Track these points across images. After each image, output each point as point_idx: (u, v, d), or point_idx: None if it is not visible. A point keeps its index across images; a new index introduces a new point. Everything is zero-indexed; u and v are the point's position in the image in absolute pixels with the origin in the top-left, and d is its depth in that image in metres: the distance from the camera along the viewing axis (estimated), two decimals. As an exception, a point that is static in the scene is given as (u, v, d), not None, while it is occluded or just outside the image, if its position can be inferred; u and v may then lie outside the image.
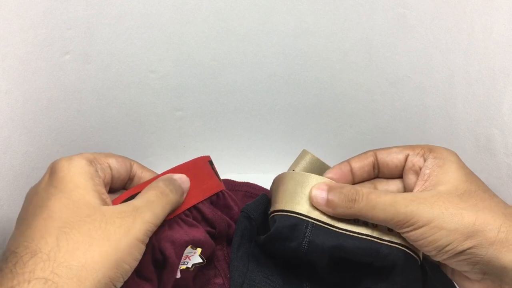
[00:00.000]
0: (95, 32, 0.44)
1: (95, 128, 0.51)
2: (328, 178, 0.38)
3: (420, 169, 0.36)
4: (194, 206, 0.38)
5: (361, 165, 0.38)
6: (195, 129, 0.55)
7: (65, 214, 0.30)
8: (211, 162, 0.42)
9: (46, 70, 0.43)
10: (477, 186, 0.34)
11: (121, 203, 0.33)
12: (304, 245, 0.36)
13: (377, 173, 0.39)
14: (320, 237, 0.35)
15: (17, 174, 0.42)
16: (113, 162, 0.36)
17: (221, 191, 0.42)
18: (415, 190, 0.35)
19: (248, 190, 0.53)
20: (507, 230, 0.31)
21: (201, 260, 0.38)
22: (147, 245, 0.33)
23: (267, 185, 0.53)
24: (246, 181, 0.54)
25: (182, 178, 0.38)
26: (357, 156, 0.39)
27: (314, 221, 0.36)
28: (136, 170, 0.38)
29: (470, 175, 0.35)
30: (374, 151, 0.39)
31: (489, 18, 0.38)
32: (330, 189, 0.36)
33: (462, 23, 0.41)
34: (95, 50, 0.45)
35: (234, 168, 0.59)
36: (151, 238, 0.33)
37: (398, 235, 0.35)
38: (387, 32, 0.45)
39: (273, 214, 0.38)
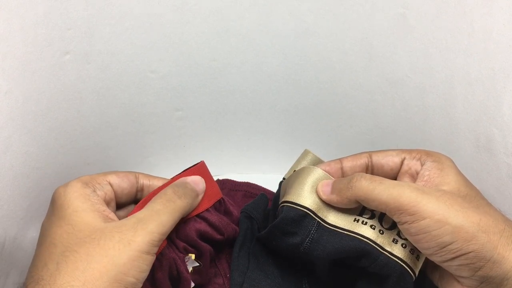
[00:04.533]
0: (95, 32, 0.44)
1: (95, 128, 0.51)
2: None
3: (417, 173, 0.36)
4: (199, 215, 0.38)
5: (352, 165, 0.38)
6: (195, 129, 0.55)
7: (65, 239, 0.31)
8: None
9: (46, 70, 0.43)
10: (476, 193, 0.34)
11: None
12: (307, 243, 0.36)
13: (370, 173, 0.38)
14: (324, 237, 0.35)
15: (17, 174, 0.42)
16: (113, 178, 0.36)
17: (222, 197, 0.41)
18: None
19: (248, 190, 0.53)
20: (508, 235, 0.30)
21: (198, 264, 0.38)
22: (162, 260, 0.34)
23: (267, 185, 0.53)
24: (246, 181, 0.54)
25: (195, 180, 0.38)
26: (350, 155, 0.39)
27: (320, 221, 0.36)
28: (143, 180, 0.38)
29: (468, 182, 0.35)
30: (369, 153, 0.39)
31: (489, 18, 0.38)
32: (335, 181, 0.36)
33: (462, 23, 0.41)
34: (95, 50, 0.45)
35: (234, 168, 0.59)
36: (167, 254, 0.34)
37: (400, 248, 0.34)
38: (387, 32, 0.45)
39: (282, 204, 0.38)
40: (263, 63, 0.50)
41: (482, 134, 0.42)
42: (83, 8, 0.42)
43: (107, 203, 0.35)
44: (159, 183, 0.38)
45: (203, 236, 0.38)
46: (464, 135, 0.44)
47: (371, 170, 0.38)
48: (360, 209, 0.36)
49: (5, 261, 0.42)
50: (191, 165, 0.40)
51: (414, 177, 0.36)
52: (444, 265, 0.32)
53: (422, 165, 0.36)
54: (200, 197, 0.38)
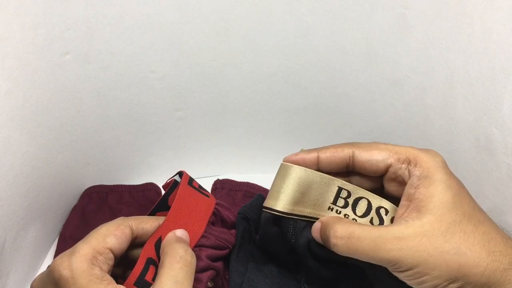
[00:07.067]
0: (95, 32, 0.44)
1: (95, 128, 0.51)
2: (290, 162, 0.36)
3: (404, 181, 0.34)
4: (197, 245, 0.38)
5: (329, 157, 0.35)
6: (195, 129, 0.55)
7: None
8: (190, 180, 0.40)
9: (46, 70, 0.43)
10: (462, 214, 0.32)
11: (136, 281, 0.32)
12: (292, 235, 0.36)
13: (352, 169, 0.36)
14: (305, 231, 0.36)
15: (17, 174, 0.42)
16: (112, 242, 0.33)
17: (214, 207, 0.41)
18: (399, 212, 0.33)
19: (248, 190, 0.53)
20: (489, 274, 0.30)
21: (211, 286, 0.39)
22: None
23: (267, 185, 0.53)
24: (246, 181, 0.54)
25: (184, 234, 0.37)
26: (331, 146, 0.36)
27: (297, 218, 0.36)
28: (137, 230, 0.35)
29: (457, 196, 0.32)
30: (353, 147, 0.35)
31: (489, 18, 0.38)
32: (321, 230, 0.35)
33: (462, 23, 0.41)
34: (95, 50, 0.45)
35: (234, 168, 0.59)
36: None
37: None
38: (387, 32, 0.45)
39: (263, 209, 0.37)
40: (263, 63, 0.50)
41: (482, 134, 0.42)
42: (83, 8, 0.42)
43: (110, 270, 0.34)
44: (151, 227, 0.36)
45: (212, 258, 0.38)
46: (464, 135, 0.44)
47: (352, 166, 0.36)
48: (334, 195, 0.36)
49: (5, 261, 0.42)
50: (170, 182, 0.39)
51: (401, 183, 0.34)
52: None
53: (410, 176, 0.33)
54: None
